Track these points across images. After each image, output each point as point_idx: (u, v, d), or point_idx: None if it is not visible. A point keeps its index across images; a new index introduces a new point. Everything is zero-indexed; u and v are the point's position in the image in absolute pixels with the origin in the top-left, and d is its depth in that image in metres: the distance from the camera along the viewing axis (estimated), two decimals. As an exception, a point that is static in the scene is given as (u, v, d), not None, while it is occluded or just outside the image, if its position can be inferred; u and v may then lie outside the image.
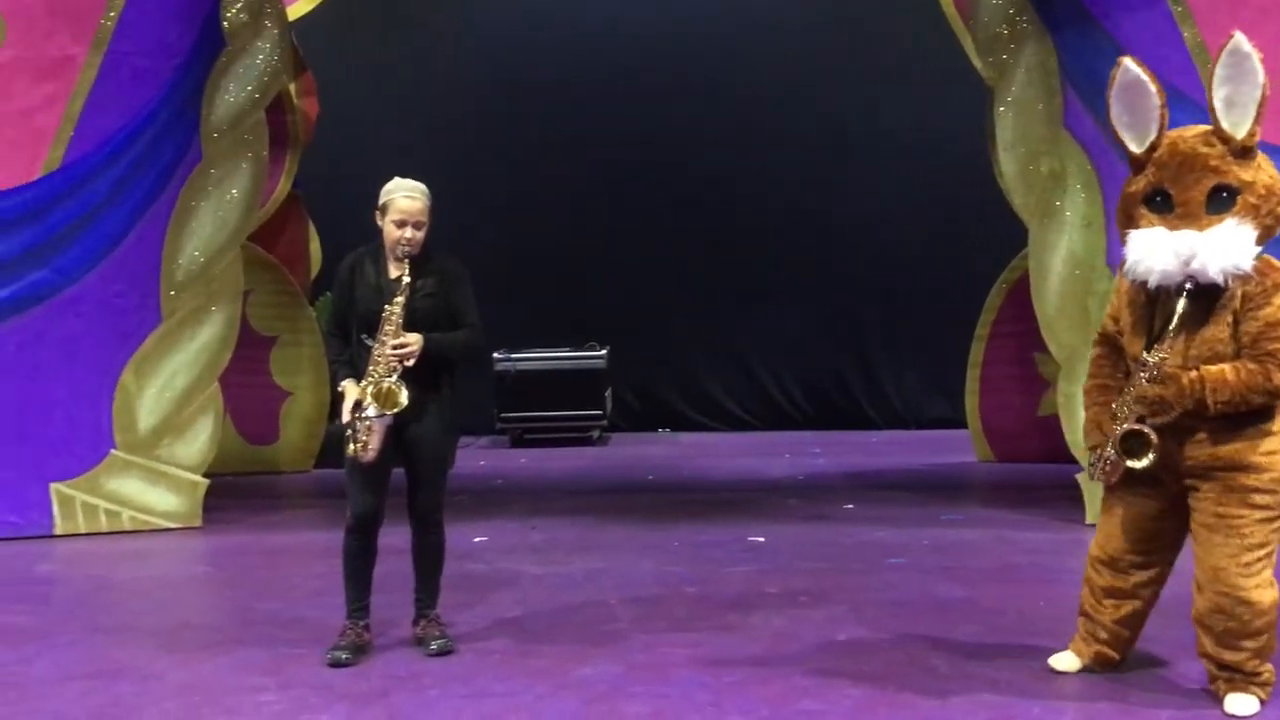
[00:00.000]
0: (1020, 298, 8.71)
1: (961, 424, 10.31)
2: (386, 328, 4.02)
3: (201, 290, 7.08)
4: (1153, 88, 3.46)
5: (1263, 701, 3.44)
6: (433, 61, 12.08)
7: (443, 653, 4.15)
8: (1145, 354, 3.42)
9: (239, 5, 7.10)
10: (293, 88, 9.16)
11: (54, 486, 6.74)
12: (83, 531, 6.76)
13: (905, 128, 11.84)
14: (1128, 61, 3.51)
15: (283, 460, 9.82)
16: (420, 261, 4.12)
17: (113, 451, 6.86)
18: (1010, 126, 6.90)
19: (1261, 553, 3.38)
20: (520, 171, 11.82)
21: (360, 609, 4.21)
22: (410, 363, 4.01)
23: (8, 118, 6.63)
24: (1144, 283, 3.42)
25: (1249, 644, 3.40)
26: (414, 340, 4.02)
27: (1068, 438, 6.66)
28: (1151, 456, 3.41)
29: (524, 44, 11.92)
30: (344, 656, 4.04)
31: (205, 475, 7.11)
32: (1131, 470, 3.48)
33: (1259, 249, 3.37)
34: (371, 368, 4.02)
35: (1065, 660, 3.84)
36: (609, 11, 12.04)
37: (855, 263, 12.02)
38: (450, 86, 11.97)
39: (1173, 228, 3.39)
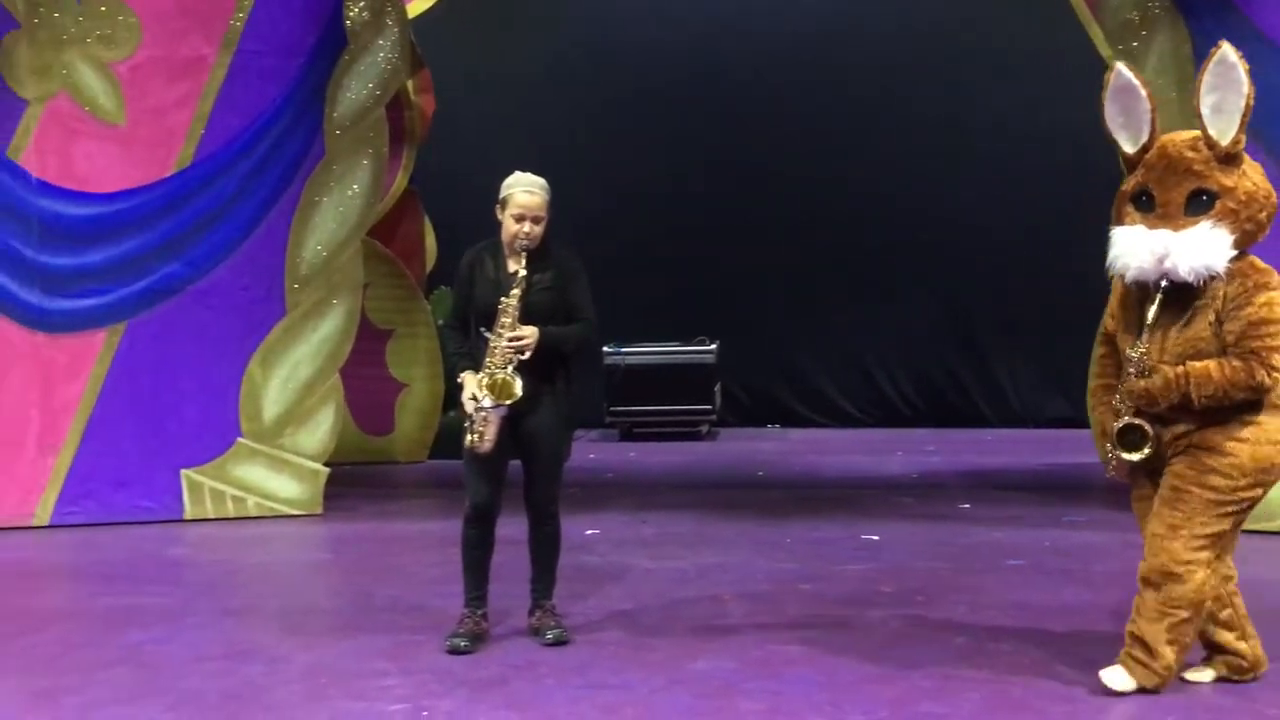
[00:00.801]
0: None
1: (1083, 423, 10.00)
2: (503, 320, 4.06)
3: (323, 284, 7.26)
4: (1144, 92, 3.61)
5: (1145, 688, 3.52)
6: (547, 59, 12.17)
7: (558, 643, 4.19)
8: (1129, 350, 3.55)
9: (361, 4, 7.25)
10: (410, 84, 9.33)
11: (184, 473, 6.99)
12: (210, 517, 7.00)
13: (1022, 119, 11.54)
14: (1120, 66, 3.67)
15: (398, 451, 10.01)
16: (538, 255, 4.16)
17: (239, 440, 7.08)
18: (1140, 116, 6.65)
19: (1204, 531, 3.48)
20: (631, 166, 11.84)
21: (478, 598, 4.27)
22: (526, 355, 4.05)
23: (143, 116, 6.90)
24: (1135, 281, 3.56)
25: (1164, 618, 3.49)
26: (529, 333, 4.06)
27: (1198, 439, 6.41)
28: (1148, 449, 3.53)
29: (638, 42, 11.94)
30: (462, 644, 4.11)
31: (324, 464, 7.30)
32: (1139, 464, 3.59)
33: (1235, 252, 3.48)
34: (488, 360, 4.07)
35: (1202, 674, 3.77)
36: (721, 11, 11.99)
37: (970, 256, 11.76)
38: (564, 84, 12.05)
39: (1152, 226, 3.53)
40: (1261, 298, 3.45)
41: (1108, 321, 3.81)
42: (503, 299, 4.08)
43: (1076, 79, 10.03)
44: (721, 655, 4.05)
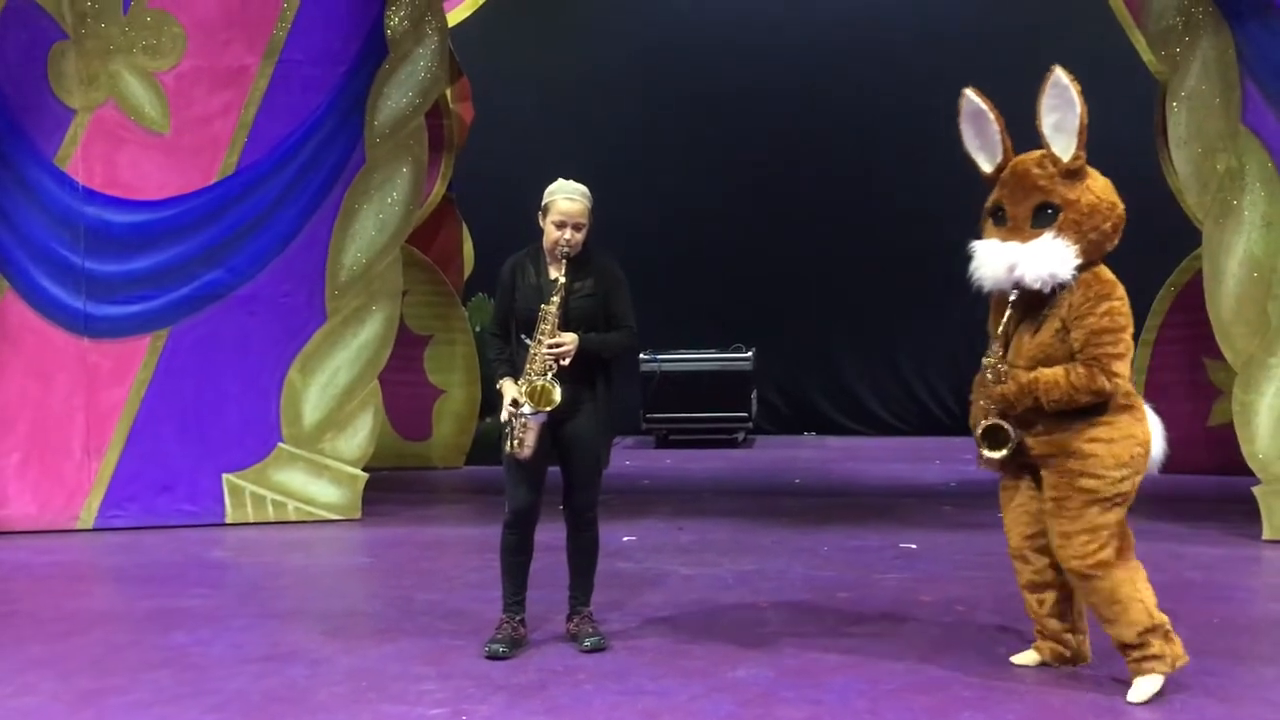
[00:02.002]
0: (1189, 301, 8.32)
1: (1123, 432, 9.90)
2: (543, 326, 4.07)
3: (363, 290, 7.31)
4: (992, 115, 3.90)
5: (1164, 674, 3.64)
6: (586, 66, 12.21)
7: (596, 649, 4.19)
8: (985, 359, 3.79)
9: (402, 13, 7.31)
10: (449, 92, 9.39)
11: (226, 477, 7.07)
12: (251, 520, 7.07)
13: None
14: (969, 93, 3.95)
15: (435, 456, 10.07)
16: (579, 262, 4.17)
17: (280, 445, 7.15)
18: (1184, 122, 6.59)
19: (1094, 530, 3.65)
20: (668, 174, 11.86)
21: (517, 603, 4.28)
22: (566, 362, 4.06)
23: (188, 125, 6.99)
24: (993, 291, 3.80)
25: (1117, 616, 3.64)
26: (569, 339, 4.07)
27: (1244, 449, 6.34)
28: (1009, 449, 3.73)
29: (676, 50, 11.95)
30: (501, 649, 4.12)
31: (363, 469, 7.35)
32: (1006, 461, 3.80)
33: (1080, 261, 3.68)
34: (528, 366, 4.08)
35: (1025, 657, 4.01)
36: (760, 15, 11.98)
37: (1010, 264, 11.66)
38: (600, 91, 12.09)
39: (1005, 239, 3.78)
40: (1103, 307, 3.66)
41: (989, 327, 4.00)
42: (543, 306, 4.09)
43: (1121, 88, 9.96)
44: (760, 663, 4.04)
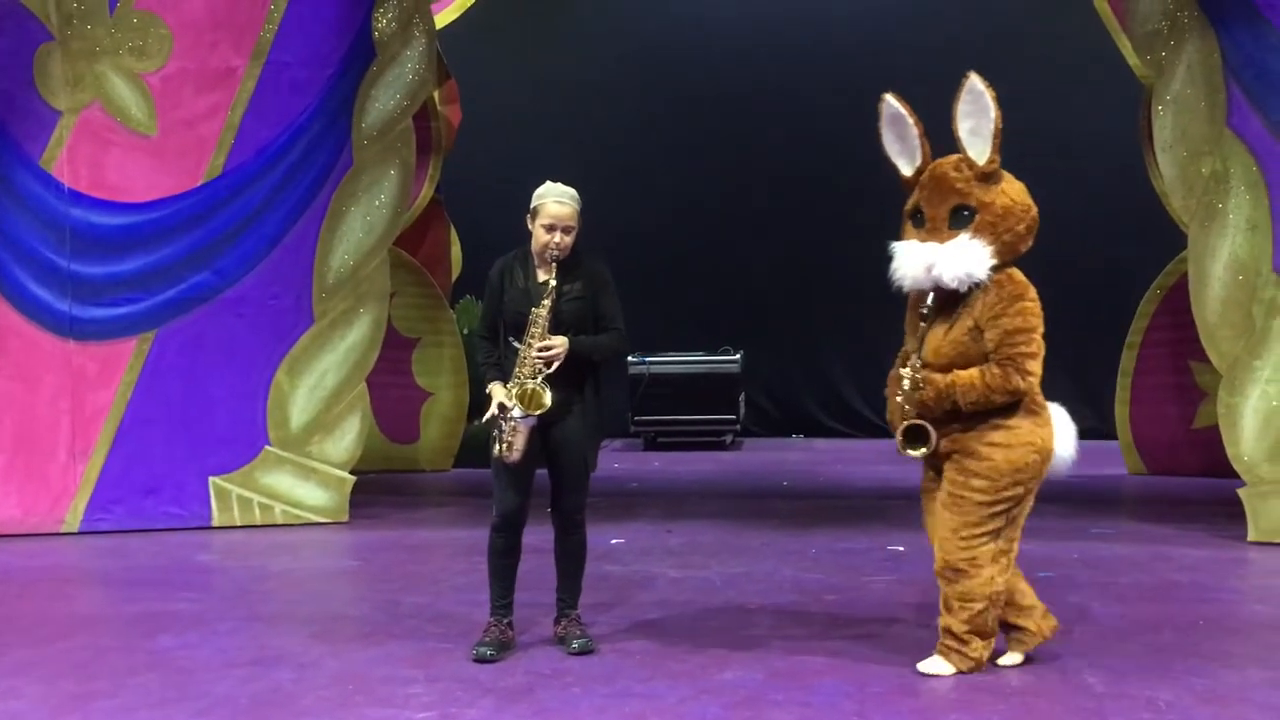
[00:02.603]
0: (1175, 304, 8.37)
1: (1109, 435, 9.95)
2: (533, 330, 4.07)
3: (350, 293, 7.30)
4: (911, 120, 3.99)
5: (961, 671, 3.84)
6: (571, 69, 12.21)
7: (584, 652, 4.18)
8: (904, 370, 3.86)
9: (389, 15, 7.30)
10: (436, 95, 9.38)
11: (212, 480, 7.04)
12: (238, 524, 7.05)
13: (1049, 129, 11.50)
14: (889, 98, 4.05)
15: (423, 459, 10.05)
16: (568, 265, 4.17)
17: (267, 447, 7.13)
18: (1169, 126, 6.62)
19: (978, 530, 3.81)
20: (656, 177, 11.86)
21: (504, 606, 4.27)
22: (555, 366, 4.06)
23: (174, 127, 6.97)
24: (914, 291, 3.92)
25: (962, 610, 3.83)
26: (559, 343, 4.07)
27: (1229, 450, 6.37)
28: (927, 448, 3.83)
29: (662, 52, 11.96)
30: (488, 653, 4.11)
31: (350, 472, 7.33)
32: (926, 459, 3.92)
33: (995, 261, 3.81)
34: (518, 370, 4.08)
35: (1009, 658, 4.04)
36: (749, 18, 12.00)
37: (997, 267, 11.70)
38: (587, 94, 12.09)
39: (924, 240, 3.89)
40: (1016, 307, 3.80)
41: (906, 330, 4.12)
42: (533, 309, 4.08)
43: (1108, 92, 10.02)
44: (749, 665, 4.04)
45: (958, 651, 3.88)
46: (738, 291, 11.83)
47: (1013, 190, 3.94)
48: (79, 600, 5.39)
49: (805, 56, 11.70)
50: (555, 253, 4.12)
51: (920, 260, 3.85)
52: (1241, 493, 6.33)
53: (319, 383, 7.23)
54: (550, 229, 4.12)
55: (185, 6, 6.94)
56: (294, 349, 7.18)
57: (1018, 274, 3.90)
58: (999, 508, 3.82)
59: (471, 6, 9.75)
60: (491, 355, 4.28)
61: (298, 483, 7.19)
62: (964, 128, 3.90)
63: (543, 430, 4.12)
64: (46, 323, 6.90)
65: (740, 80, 11.62)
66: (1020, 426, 3.82)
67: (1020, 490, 3.84)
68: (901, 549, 6.21)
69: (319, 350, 7.23)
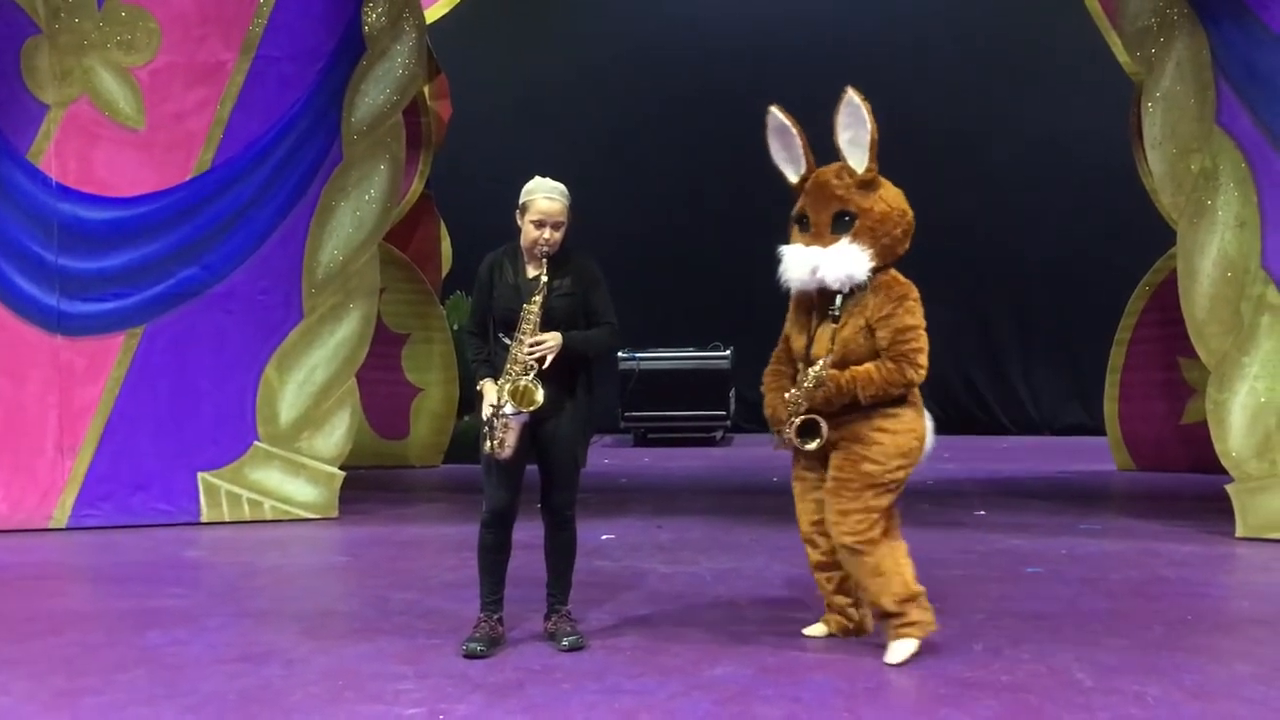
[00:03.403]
0: (1164, 300, 8.41)
1: (1098, 431, 10.00)
2: (524, 326, 4.06)
3: (340, 288, 7.28)
4: (794, 130, 4.19)
5: (918, 639, 4.02)
6: (562, 65, 12.20)
7: (574, 648, 4.18)
8: (810, 369, 4.01)
9: (379, 10, 7.28)
10: (426, 90, 9.36)
11: (201, 476, 7.03)
12: (227, 520, 7.03)
13: (1039, 126, 11.53)
14: (774, 109, 4.22)
15: (412, 455, 10.04)
16: (558, 261, 4.15)
17: (256, 443, 7.11)
18: (1159, 123, 6.64)
19: (868, 510, 4.00)
20: (646, 173, 11.87)
21: (494, 602, 4.26)
22: (547, 362, 4.05)
23: (163, 121, 6.94)
24: (800, 292, 4.12)
25: (877, 587, 4.01)
26: (551, 339, 4.06)
27: (1217, 447, 6.39)
28: (820, 440, 4.02)
29: (653, 50, 11.96)
30: (479, 648, 4.11)
31: (340, 468, 7.32)
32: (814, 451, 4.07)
33: (875, 263, 4.02)
34: (509, 366, 4.06)
35: (815, 629, 4.35)
36: (742, 17, 12.00)
37: (987, 265, 11.75)
38: (579, 90, 12.09)
39: (809, 244, 4.10)
40: (904, 306, 4.03)
41: (785, 336, 4.30)
42: (525, 305, 4.07)
43: (1098, 90, 10.04)
44: (739, 661, 4.04)
45: (904, 624, 4.03)
46: (728, 288, 11.84)
47: (890, 196, 4.14)
48: (67, 596, 5.36)
49: (797, 55, 11.70)
50: (545, 248, 4.10)
51: (805, 263, 4.06)
52: (1229, 488, 6.36)
53: (308, 378, 7.21)
54: (540, 225, 4.11)
55: (174, 0, 6.91)
56: (283, 344, 7.16)
57: (899, 275, 4.13)
58: (886, 488, 4.04)
59: (462, 1, 9.73)
60: (481, 351, 4.26)
61: (287, 478, 7.17)
62: (843, 138, 4.10)
63: (532, 426, 4.11)
64: (34, 318, 6.86)
65: (732, 78, 11.62)
66: (905, 415, 4.09)
67: (903, 474, 4.08)
68: (891, 545, 6.22)
69: (308, 346, 7.21)
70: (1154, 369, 9.13)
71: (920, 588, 4.07)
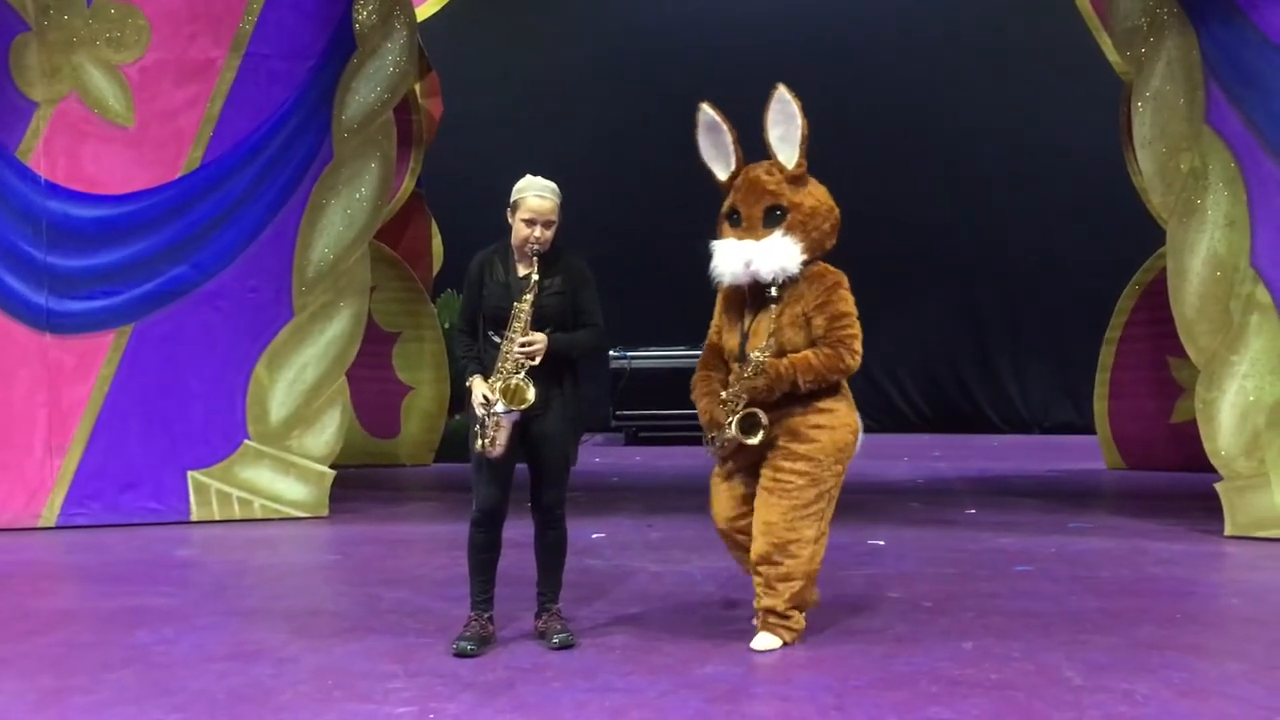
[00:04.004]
0: (1153, 299, 8.43)
1: (1088, 429, 10.02)
2: (515, 325, 4.06)
3: (330, 286, 7.27)
4: (725, 127, 4.26)
5: (787, 643, 4.12)
6: (553, 63, 12.19)
7: (565, 647, 4.18)
8: (753, 352, 4.06)
9: (370, 8, 7.27)
10: (417, 88, 9.35)
11: (191, 474, 7.01)
12: (217, 518, 7.01)
13: (1028, 125, 11.56)
14: (705, 106, 4.31)
15: (403, 454, 10.03)
16: (548, 260, 4.15)
17: (246, 441, 7.09)
18: (1148, 122, 6.66)
19: (806, 512, 4.07)
20: (638, 171, 11.86)
21: (484, 601, 4.26)
22: (537, 360, 4.05)
23: (152, 119, 6.92)
24: (735, 286, 4.17)
25: (784, 589, 4.08)
26: (540, 339, 4.06)
27: (1206, 445, 6.41)
28: (762, 434, 4.05)
29: (645, 47, 11.96)
30: (469, 647, 4.10)
31: (330, 467, 7.30)
32: (739, 446, 4.10)
33: (806, 257, 4.12)
34: (500, 364, 4.06)
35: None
36: (733, 15, 12.00)
37: (978, 264, 11.77)
38: (570, 87, 12.08)
39: (741, 238, 4.17)
40: (838, 295, 4.15)
41: (712, 333, 4.35)
42: (515, 304, 4.07)
43: (1089, 90, 10.06)
44: (729, 659, 4.05)
45: (783, 626, 4.14)
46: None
47: (818, 192, 4.25)
48: (56, 595, 5.35)
49: (791, 55, 11.69)
50: (535, 247, 4.10)
51: (739, 257, 4.12)
52: (1219, 487, 6.38)
53: (298, 377, 7.20)
54: (530, 223, 4.11)
55: (163, -3, 6.89)
56: (273, 343, 7.14)
57: (830, 266, 4.23)
58: (824, 487, 4.10)
59: (453, 0, 9.72)
60: (471, 349, 4.26)
61: (277, 477, 7.16)
62: (774, 134, 4.20)
63: (522, 425, 4.11)
64: (22, 316, 6.84)
65: (724, 77, 11.58)
66: (838, 409, 4.15)
67: (841, 469, 4.15)
68: (882, 543, 6.24)
69: (299, 344, 7.20)
70: (1144, 368, 9.15)
71: (815, 596, 4.25)
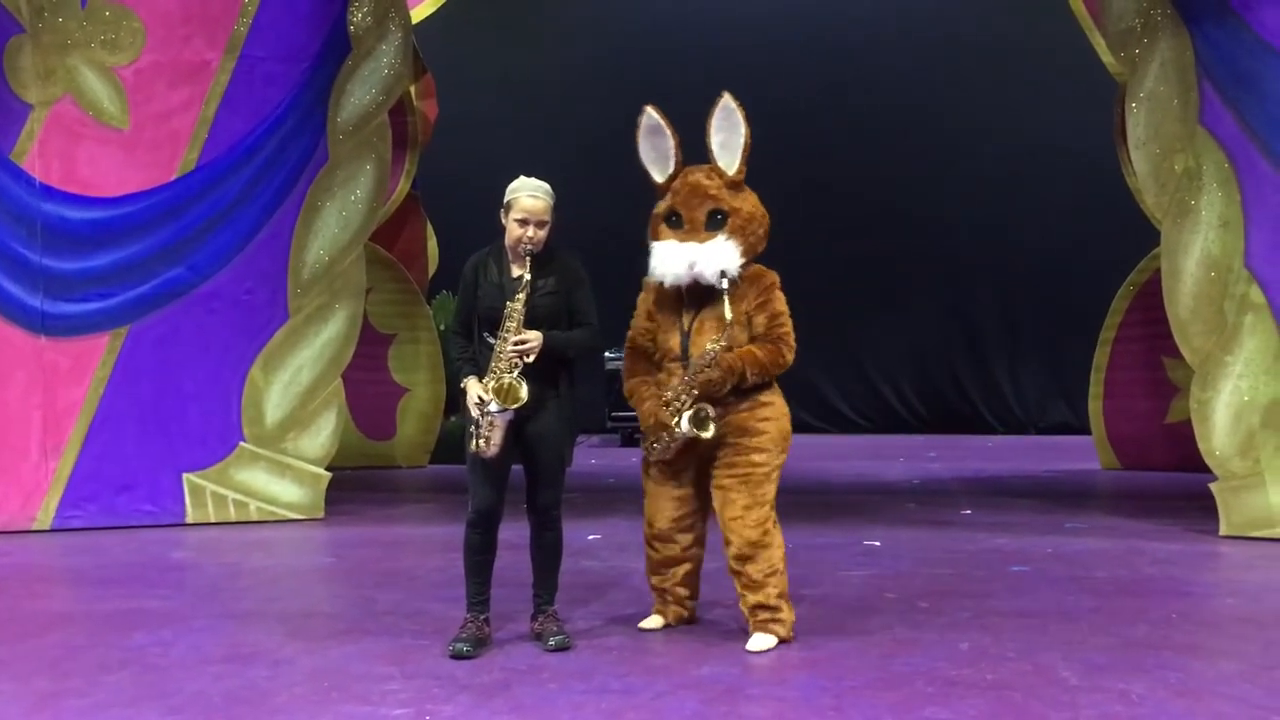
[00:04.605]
0: (1148, 300, 8.45)
1: (1083, 430, 10.05)
2: (508, 324, 4.06)
3: (326, 288, 7.26)
4: (668, 131, 4.38)
5: (782, 638, 4.18)
6: (548, 64, 12.20)
7: (561, 648, 4.17)
8: (709, 345, 4.15)
9: (365, 9, 7.27)
10: (413, 90, 9.34)
11: (186, 477, 7.00)
12: (212, 520, 7.00)
13: (1024, 127, 11.57)
14: (650, 109, 4.42)
15: (399, 455, 10.02)
16: (542, 260, 4.16)
17: (241, 444, 7.09)
18: (1143, 123, 6.67)
19: (764, 502, 4.22)
20: (633, 172, 11.84)
21: (481, 602, 4.25)
22: (531, 359, 4.05)
23: (147, 121, 6.91)
24: (675, 286, 4.25)
25: (771, 582, 4.19)
26: (534, 337, 4.06)
27: (1201, 445, 6.43)
28: (714, 427, 4.14)
29: (639, 49, 11.96)
30: (465, 649, 4.10)
31: (326, 469, 7.30)
32: (687, 444, 4.20)
33: (744, 259, 4.25)
34: (494, 364, 4.06)
35: (652, 621, 4.46)
36: (727, 16, 12.00)
37: (973, 265, 11.78)
38: (565, 89, 12.08)
39: (683, 240, 4.29)
40: (775, 295, 4.30)
41: (637, 336, 4.42)
42: (508, 303, 4.07)
43: (1084, 91, 10.07)
44: (725, 660, 4.05)
45: (775, 621, 4.20)
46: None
47: (753, 199, 4.39)
48: (51, 598, 5.33)
49: (783, 55, 11.72)
50: (529, 246, 4.11)
51: (683, 258, 4.23)
52: (1213, 487, 6.39)
53: (294, 379, 7.19)
54: (524, 223, 4.11)
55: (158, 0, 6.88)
56: (269, 345, 7.14)
57: (763, 268, 4.36)
58: (775, 475, 4.26)
59: (448, 2, 9.72)
60: (466, 351, 4.26)
61: (273, 479, 7.15)
62: (715, 141, 4.33)
63: (517, 426, 4.11)
64: (17, 318, 6.82)
65: (717, 78, 11.60)
66: (776, 401, 4.31)
67: (785, 456, 4.30)
68: (878, 544, 6.24)
69: (294, 346, 7.19)
70: (1138, 368, 9.17)
71: (786, 585, 4.31)
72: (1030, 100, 11.46)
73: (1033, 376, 12.21)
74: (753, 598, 4.20)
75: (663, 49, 11.92)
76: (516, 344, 4.03)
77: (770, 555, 4.20)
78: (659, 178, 4.44)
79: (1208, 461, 6.42)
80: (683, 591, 4.50)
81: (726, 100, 4.34)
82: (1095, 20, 7.98)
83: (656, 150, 4.43)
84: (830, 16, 11.94)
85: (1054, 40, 10.19)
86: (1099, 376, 9.51)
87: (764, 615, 4.20)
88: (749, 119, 4.29)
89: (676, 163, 4.40)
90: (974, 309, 12.14)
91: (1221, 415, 6.35)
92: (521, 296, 4.06)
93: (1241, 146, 6.25)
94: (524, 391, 4.00)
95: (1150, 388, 9.08)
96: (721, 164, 4.35)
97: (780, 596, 4.21)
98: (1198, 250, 6.45)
